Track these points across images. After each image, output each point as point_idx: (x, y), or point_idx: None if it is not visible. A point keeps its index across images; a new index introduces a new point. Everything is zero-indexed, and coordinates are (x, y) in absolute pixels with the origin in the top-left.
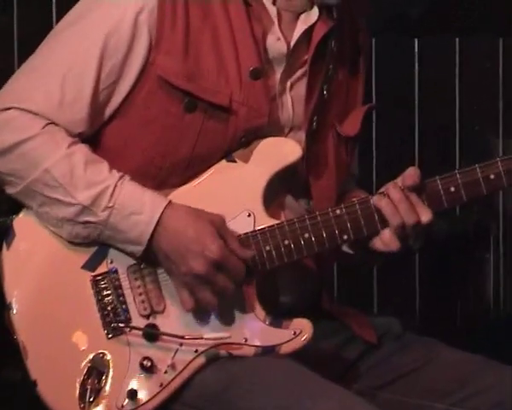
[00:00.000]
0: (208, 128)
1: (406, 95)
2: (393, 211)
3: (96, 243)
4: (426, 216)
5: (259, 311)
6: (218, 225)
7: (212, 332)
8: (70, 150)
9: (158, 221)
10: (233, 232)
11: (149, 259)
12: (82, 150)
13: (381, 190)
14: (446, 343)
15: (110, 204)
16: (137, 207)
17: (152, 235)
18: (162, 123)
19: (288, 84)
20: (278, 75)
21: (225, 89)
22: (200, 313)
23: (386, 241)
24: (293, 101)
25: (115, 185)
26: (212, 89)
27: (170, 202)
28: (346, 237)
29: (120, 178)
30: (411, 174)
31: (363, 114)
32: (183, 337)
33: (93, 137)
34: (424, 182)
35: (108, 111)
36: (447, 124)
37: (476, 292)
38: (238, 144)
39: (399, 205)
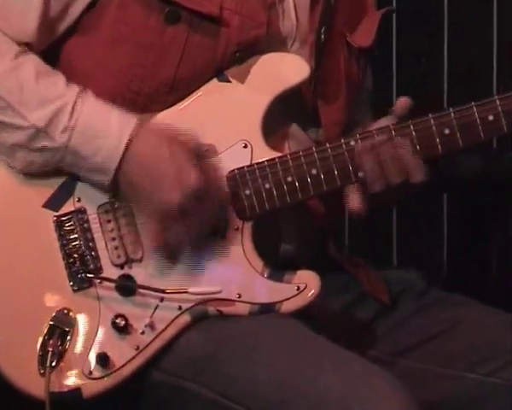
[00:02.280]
0: (194, 43)
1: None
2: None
3: (60, 177)
4: (419, 176)
5: (256, 261)
6: (196, 149)
7: (200, 286)
8: (17, 61)
9: (126, 145)
10: (213, 150)
11: (120, 193)
12: (32, 61)
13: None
14: (479, 301)
15: (70, 124)
16: (102, 128)
17: (120, 162)
18: (138, 39)
19: None
20: None
21: None
22: (185, 262)
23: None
24: (296, 7)
25: (75, 102)
26: None
27: (141, 122)
28: (361, 174)
29: (81, 92)
30: (403, 101)
31: (379, 21)
32: (163, 291)
33: (57, 56)
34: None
35: (66, 23)
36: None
37: None
38: (231, 61)
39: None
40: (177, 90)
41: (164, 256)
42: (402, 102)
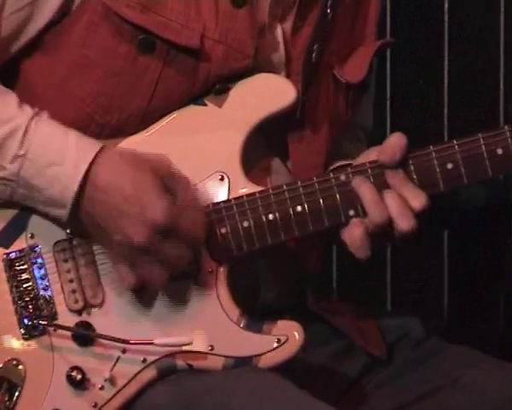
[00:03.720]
0: (170, 74)
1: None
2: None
3: (12, 210)
4: (418, 201)
5: (232, 309)
6: (165, 175)
7: (167, 336)
8: None
9: (85, 174)
10: (187, 181)
11: (79, 229)
12: None
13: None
14: (484, 353)
15: (21, 152)
16: (57, 154)
17: (77, 193)
18: (107, 66)
19: (280, 12)
20: (267, 0)
21: (195, 22)
22: (151, 309)
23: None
24: (285, 35)
25: (27, 125)
26: (177, 23)
27: (102, 147)
28: (352, 212)
29: (35, 115)
30: (391, 146)
31: (373, 54)
32: (126, 342)
33: (15, 76)
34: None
35: (21, 41)
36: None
37: None
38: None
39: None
40: (149, 122)
41: (127, 301)
42: (394, 142)
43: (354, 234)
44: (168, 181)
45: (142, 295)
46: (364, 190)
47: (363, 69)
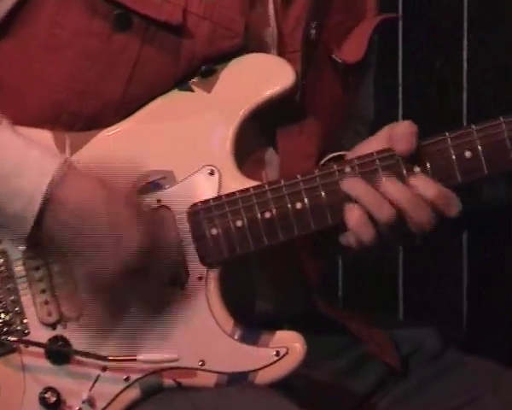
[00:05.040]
0: (149, 55)
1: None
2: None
3: None
4: (431, 190)
5: (224, 319)
6: (133, 201)
7: (152, 351)
8: None
9: (48, 189)
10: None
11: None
12: None
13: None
14: (507, 366)
15: None
16: (17, 166)
17: (39, 211)
18: (80, 47)
19: None
20: None
21: None
22: (134, 322)
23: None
24: (275, 7)
25: None
26: None
27: (66, 159)
28: None
29: None
30: (405, 134)
31: (373, 30)
32: (106, 358)
33: None
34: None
35: None
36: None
37: None
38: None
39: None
40: (127, 112)
41: (107, 313)
42: (407, 129)
43: (355, 214)
44: (139, 209)
45: (125, 307)
46: (359, 191)
47: (362, 47)
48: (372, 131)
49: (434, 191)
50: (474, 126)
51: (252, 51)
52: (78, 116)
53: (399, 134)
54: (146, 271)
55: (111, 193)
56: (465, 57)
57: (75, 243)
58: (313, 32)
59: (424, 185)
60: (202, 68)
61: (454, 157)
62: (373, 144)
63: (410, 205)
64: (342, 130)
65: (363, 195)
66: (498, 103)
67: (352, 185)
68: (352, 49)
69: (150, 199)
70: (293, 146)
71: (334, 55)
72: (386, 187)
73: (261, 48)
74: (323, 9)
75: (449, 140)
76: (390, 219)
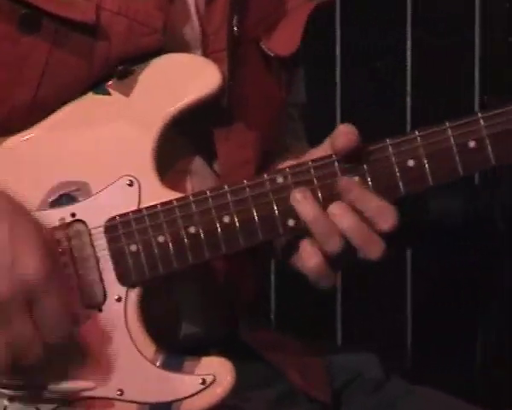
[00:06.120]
0: (60, 57)
1: None
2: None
3: None
4: (386, 222)
5: (145, 344)
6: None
7: (63, 380)
8: None
9: None
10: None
11: None
12: None
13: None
14: (457, 397)
15: None
16: None
17: None
18: None
19: None
20: None
21: None
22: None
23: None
24: (198, 6)
25: None
26: None
27: None
28: (292, 222)
29: None
30: (343, 132)
31: (308, 17)
32: (8, 387)
33: None
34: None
35: None
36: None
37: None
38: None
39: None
40: (39, 117)
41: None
42: (346, 128)
43: (309, 264)
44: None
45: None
46: (309, 214)
47: (296, 39)
48: (311, 138)
49: (371, 205)
50: (417, 132)
51: (174, 52)
52: None
53: (337, 132)
54: (41, 298)
55: (16, 207)
56: (409, 58)
57: None
58: (236, 27)
59: (362, 199)
60: (118, 69)
61: (396, 166)
62: (315, 153)
63: (363, 242)
64: (284, 129)
65: (313, 222)
66: (444, 106)
67: (303, 207)
68: (285, 40)
69: (63, 213)
70: (227, 153)
71: (264, 48)
72: (334, 210)
73: (184, 48)
74: (243, 2)
75: (390, 147)
76: (339, 251)
